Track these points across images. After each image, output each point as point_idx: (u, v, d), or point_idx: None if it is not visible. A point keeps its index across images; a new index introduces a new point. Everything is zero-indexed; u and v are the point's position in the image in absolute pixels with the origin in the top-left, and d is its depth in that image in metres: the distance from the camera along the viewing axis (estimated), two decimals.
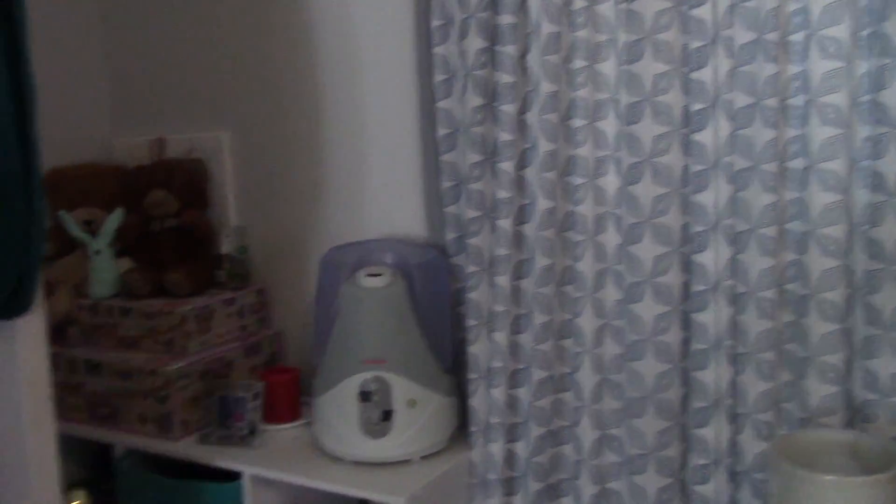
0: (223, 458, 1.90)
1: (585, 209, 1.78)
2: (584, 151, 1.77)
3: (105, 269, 2.18)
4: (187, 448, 1.95)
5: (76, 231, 2.18)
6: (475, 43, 1.79)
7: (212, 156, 2.33)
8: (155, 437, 2.00)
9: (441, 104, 1.91)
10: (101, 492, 2.12)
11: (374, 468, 1.82)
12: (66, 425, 2.11)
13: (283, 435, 2.02)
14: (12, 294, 1.45)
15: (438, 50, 1.90)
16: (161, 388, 1.99)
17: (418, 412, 1.83)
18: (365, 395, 1.80)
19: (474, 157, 1.85)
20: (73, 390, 2.11)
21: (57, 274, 2.23)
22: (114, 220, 2.18)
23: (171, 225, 2.20)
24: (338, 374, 1.84)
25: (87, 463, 2.33)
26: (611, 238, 1.77)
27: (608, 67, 1.73)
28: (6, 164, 1.40)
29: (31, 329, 1.54)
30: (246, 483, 1.87)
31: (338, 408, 1.84)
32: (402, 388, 1.81)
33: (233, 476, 1.90)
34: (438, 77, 1.90)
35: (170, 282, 2.12)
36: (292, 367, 2.19)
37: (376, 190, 2.14)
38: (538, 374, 1.83)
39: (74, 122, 2.55)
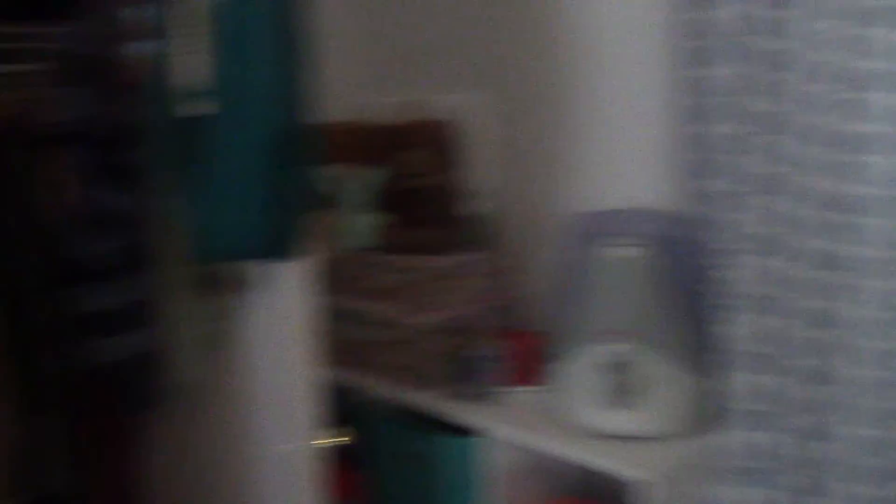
0: (465, 414, 1.94)
1: (856, 188, 1.60)
2: (853, 125, 1.58)
3: (359, 223, 2.31)
4: (429, 400, 2.02)
5: (333, 185, 2.33)
6: (731, 9, 1.69)
7: (465, 117, 2.38)
8: (397, 386, 2.09)
9: (691, 72, 1.80)
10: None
11: (617, 442, 1.76)
12: None
13: (522, 398, 2.01)
14: (282, 239, 1.57)
15: (690, 15, 1.78)
16: (407, 341, 2.07)
17: (665, 389, 1.75)
18: (611, 367, 1.75)
19: (727, 128, 1.73)
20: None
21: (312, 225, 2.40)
22: (372, 177, 2.29)
23: (424, 184, 2.28)
24: (583, 343, 1.80)
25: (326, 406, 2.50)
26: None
27: (880, 34, 1.53)
28: (285, 117, 1.51)
29: (299, 274, 1.66)
30: (485, 441, 1.90)
31: (582, 377, 1.80)
32: (650, 363, 1.73)
33: (463, 432, 1.95)
34: (689, 43, 1.80)
35: (422, 239, 2.20)
36: (535, 331, 2.18)
37: (623, 159, 2.06)
38: (802, 363, 1.68)
39: (329, 80, 2.68)
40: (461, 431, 1.96)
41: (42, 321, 2.02)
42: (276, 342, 1.74)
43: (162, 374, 1.88)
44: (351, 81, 2.70)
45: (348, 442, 2.15)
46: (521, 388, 2.04)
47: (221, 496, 2.01)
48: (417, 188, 2.27)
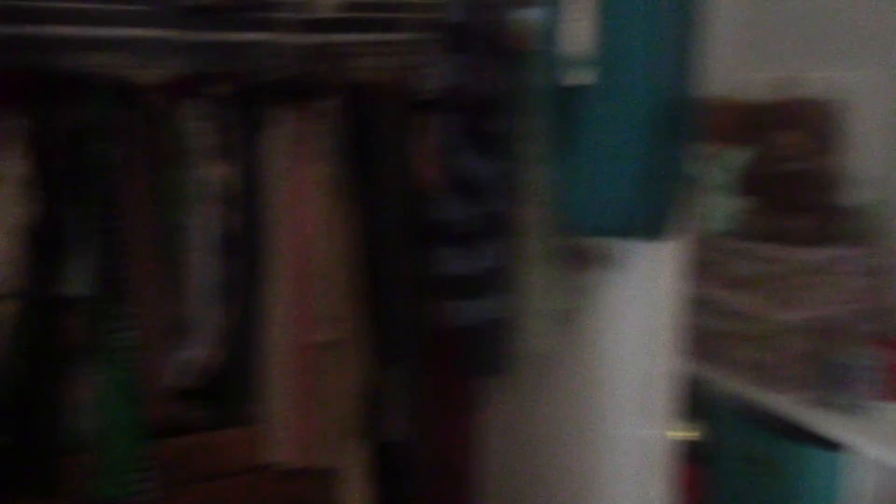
0: (829, 426, 1.76)
1: None
2: None
3: (721, 205, 2.17)
4: (787, 404, 1.85)
5: (699, 165, 2.20)
6: None
7: (848, 96, 2.13)
8: (752, 384, 1.94)
9: None
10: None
11: None
12: None
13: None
14: (654, 218, 1.51)
15: None
16: (767, 337, 1.92)
17: None
18: None
19: None
20: None
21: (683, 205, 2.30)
22: (739, 158, 2.14)
23: (798, 168, 2.09)
24: None
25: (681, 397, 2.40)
26: None
27: None
28: (667, 90, 1.44)
29: (667, 256, 1.60)
30: (851, 458, 1.70)
31: None
32: None
33: (825, 445, 1.76)
34: None
35: (791, 228, 2.01)
36: None
37: None
38: None
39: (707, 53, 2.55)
40: (822, 443, 1.78)
41: (403, 279, 2.19)
42: (635, 324, 1.69)
43: (512, 341, 1.94)
44: (724, 54, 2.56)
45: (696, 437, 2.07)
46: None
47: (559, 470, 2.03)
48: (788, 172, 2.08)
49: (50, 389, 1.85)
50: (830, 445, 1.75)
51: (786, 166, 2.06)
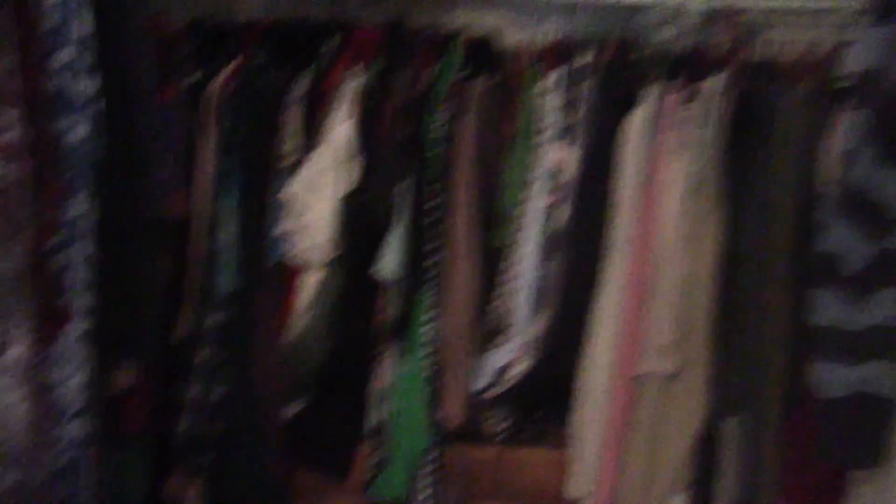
0: None
1: None
2: None
3: None
4: None
5: None
6: None
7: None
8: None
9: None
10: None
11: None
12: None
13: None
14: None
15: None
16: None
17: None
18: None
19: None
20: None
21: None
22: None
23: None
24: None
25: None
26: None
27: None
28: None
29: None
30: None
31: None
32: None
33: None
34: None
35: None
36: None
37: None
38: None
39: None
40: None
41: (771, 317, 1.82)
42: None
43: (889, 428, 1.52)
44: None
45: None
46: None
47: None
48: None
49: (360, 370, 1.94)
50: None
51: None
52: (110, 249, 1.42)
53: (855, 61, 1.56)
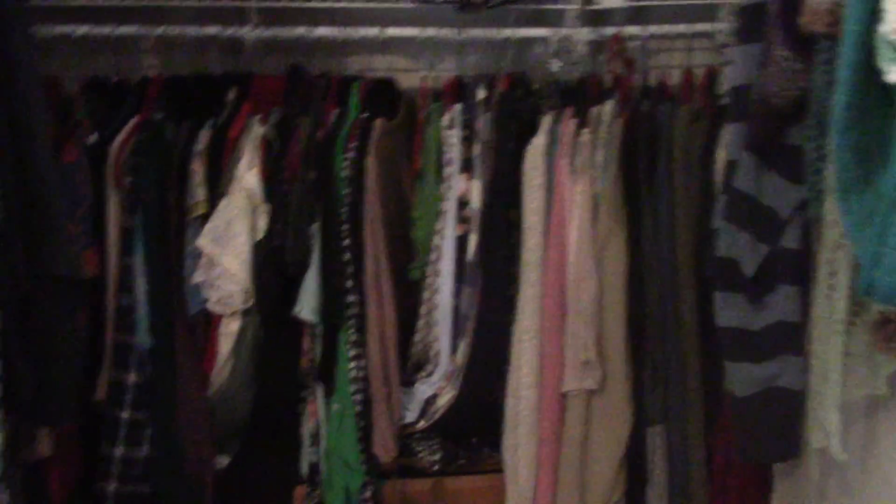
0: None
1: None
2: None
3: None
4: None
5: None
6: None
7: None
8: None
9: None
10: None
11: None
12: None
13: None
14: None
15: None
16: None
17: None
18: None
19: None
20: None
21: None
22: None
23: None
24: None
25: None
26: None
27: None
28: None
29: None
30: None
31: None
32: None
33: None
34: None
35: None
36: None
37: None
38: None
39: None
40: None
41: (682, 325, 1.86)
42: None
43: (798, 422, 1.58)
44: None
45: None
46: None
47: None
48: None
49: (288, 413, 1.92)
50: None
51: None
52: (17, 313, 1.39)
53: (728, 79, 1.67)
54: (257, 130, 1.89)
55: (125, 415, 1.76)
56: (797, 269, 1.56)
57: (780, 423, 1.60)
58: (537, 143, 1.85)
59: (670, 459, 1.86)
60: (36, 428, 1.53)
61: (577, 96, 1.97)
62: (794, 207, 1.55)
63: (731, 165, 1.60)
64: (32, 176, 1.42)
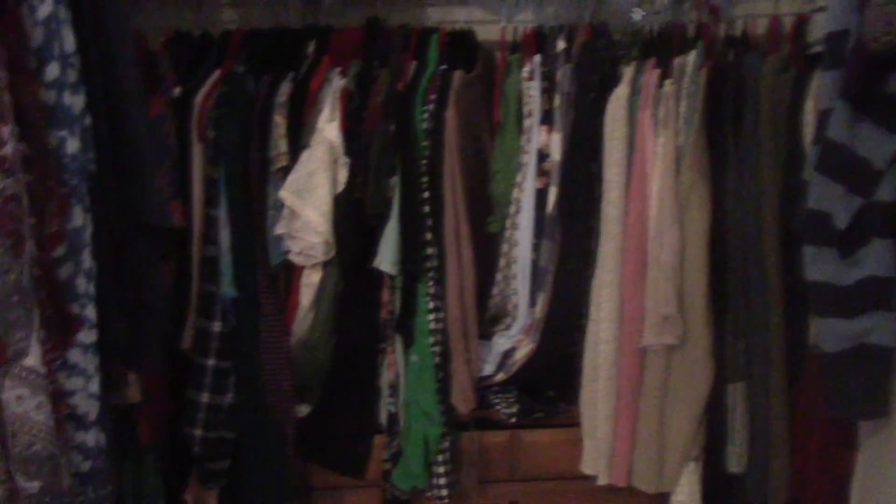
0: None
1: None
2: None
3: None
4: None
5: None
6: None
7: None
8: None
9: None
10: None
11: None
12: None
13: None
14: None
15: None
16: None
17: None
18: None
19: None
20: None
21: None
22: None
23: None
24: None
25: None
26: None
27: None
28: None
29: None
30: None
31: None
32: None
33: None
34: None
35: None
36: None
37: None
38: None
39: None
40: None
41: (768, 281, 1.81)
42: None
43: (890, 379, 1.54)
44: None
45: None
46: None
47: None
48: None
49: (367, 364, 1.94)
50: None
51: None
52: (111, 261, 1.42)
53: (823, 25, 1.59)
54: (337, 83, 1.90)
55: (210, 362, 1.80)
56: (892, 223, 1.51)
57: (870, 381, 1.55)
58: (619, 95, 1.82)
59: (751, 417, 1.83)
60: (126, 373, 1.57)
61: (660, 46, 1.91)
62: (891, 158, 1.49)
63: (825, 115, 1.54)
64: (124, 129, 1.44)
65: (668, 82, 1.81)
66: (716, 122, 1.81)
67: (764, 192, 1.79)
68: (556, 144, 1.89)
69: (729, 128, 1.81)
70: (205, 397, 1.80)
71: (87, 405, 1.27)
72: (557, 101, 1.90)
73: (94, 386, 1.28)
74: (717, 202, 1.81)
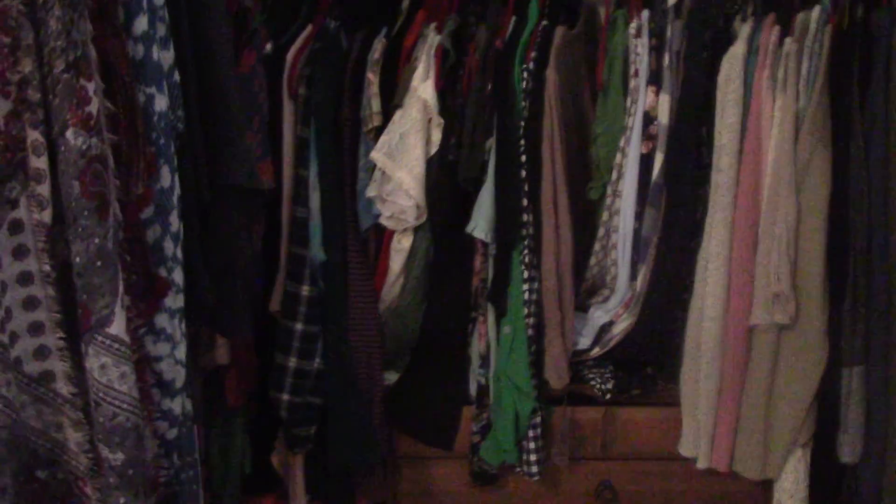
0: None
1: None
2: None
3: None
4: None
5: None
6: None
7: None
8: None
9: None
10: None
11: None
12: None
13: None
14: None
15: None
16: None
17: None
18: None
19: None
20: None
21: None
22: None
23: None
24: None
25: None
26: None
27: None
28: None
29: None
30: None
31: None
32: None
33: None
34: None
35: None
36: None
37: None
38: None
39: None
40: None
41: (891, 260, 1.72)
42: None
43: None
44: None
45: None
46: None
47: None
48: None
49: (458, 333, 1.87)
50: None
51: None
52: (199, 223, 1.39)
53: None
54: (433, 39, 1.81)
55: (299, 326, 1.77)
56: None
57: None
58: (734, 53, 1.67)
59: (868, 404, 1.70)
60: (215, 336, 1.55)
61: (781, 1, 1.76)
62: None
63: None
64: (213, 87, 1.39)
65: (788, 40, 1.67)
66: (840, 86, 1.66)
67: (892, 163, 1.63)
68: (663, 107, 1.75)
69: (855, 92, 1.65)
70: (292, 362, 1.77)
71: (174, 372, 1.23)
72: (666, 60, 1.76)
73: (181, 352, 1.25)
74: (839, 172, 1.65)
